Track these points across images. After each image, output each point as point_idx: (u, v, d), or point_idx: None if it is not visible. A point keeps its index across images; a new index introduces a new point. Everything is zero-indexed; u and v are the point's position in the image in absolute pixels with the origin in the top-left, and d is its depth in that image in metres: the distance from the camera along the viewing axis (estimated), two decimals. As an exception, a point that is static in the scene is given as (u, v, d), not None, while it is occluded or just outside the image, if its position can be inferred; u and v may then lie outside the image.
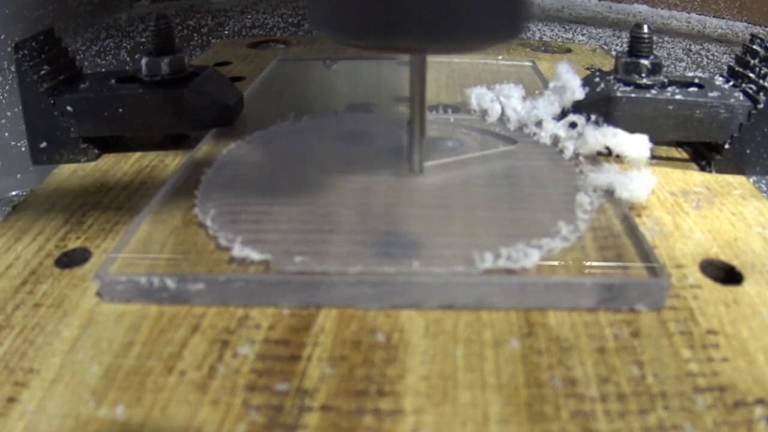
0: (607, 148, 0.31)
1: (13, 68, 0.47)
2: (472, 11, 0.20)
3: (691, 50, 0.75)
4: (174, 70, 0.34)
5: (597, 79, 0.34)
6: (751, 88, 0.32)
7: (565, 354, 0.20)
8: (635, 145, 0.30)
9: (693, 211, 0.28)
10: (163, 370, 0.20)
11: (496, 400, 0.18)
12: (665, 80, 0.33)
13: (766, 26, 0.82)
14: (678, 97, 0.31)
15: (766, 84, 0.31)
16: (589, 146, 0.31)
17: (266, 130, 0.35)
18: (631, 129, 0.31)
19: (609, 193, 0.28)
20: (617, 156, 0.31)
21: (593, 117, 0.32)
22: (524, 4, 0.22)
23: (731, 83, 0.33)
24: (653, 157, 0.34)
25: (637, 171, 0.28)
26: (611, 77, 0.33)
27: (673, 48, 0.76)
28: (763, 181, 0.37)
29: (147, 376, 0.20)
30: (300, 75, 0.47)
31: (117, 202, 0.30)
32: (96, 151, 0.34)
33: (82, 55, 0.70)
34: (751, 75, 0.32)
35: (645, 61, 0.32)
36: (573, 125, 0.32)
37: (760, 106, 0.30)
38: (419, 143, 0.28)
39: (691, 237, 0.26)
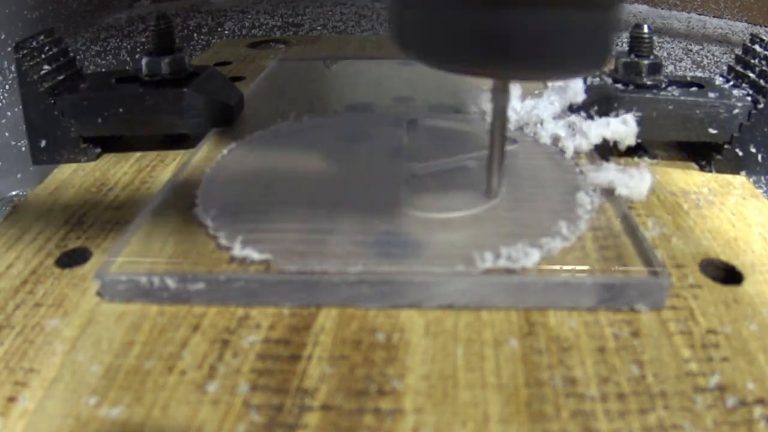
0: (604, 139, 0.31)
1: (13, 68, 0.47)
2: (561, 43, 0.20)
3: (691, 50, 0.75)
4: (174, 70, 0.34)
5: (597, 79, 0.34)
6: (751, 88, 0.32)
7: (565, 354, 0.20)
8: (623, 124, 0.30)
9: (693, 211, 0.28)
10: (164, 369, 0.20)
11: (496, 400, 0.18)
12: (665, 80, 0.33)
13: (766, 26, 0.82)
14: (678, 97, 0.31)
15: (766, 84, 0.31)
16: (586, 141, 0.31)
17: (266, 130, 0.35)
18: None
19: (609, 192, 0.28)
20: (614, 143, 0.31)
21: (592, 115, 0.32)
22: (611, 37, 0.22)
23: (731, 83, 0.33)
24: (653, 156, 0.34)
25: (637, 169, 0.28)
26: (611, 77, 0.33)
27: (673, 48, 0.76)
28: (763, 181, 0.37)
29: (147, 375, 0.20)
30: (300, 75, 0.46)
31: (117, 202, 0.30)
32: (96, 150, 0.34)
33: (82, 55, 0.69)
34: (751, 75, 0.32)
35: (645, 61, 0.32)
36: (572, 124, 0.32)
37: (760, 106, 0.30)
38: (498, 168, 0.27)
39: (691, 237, 0.26)
